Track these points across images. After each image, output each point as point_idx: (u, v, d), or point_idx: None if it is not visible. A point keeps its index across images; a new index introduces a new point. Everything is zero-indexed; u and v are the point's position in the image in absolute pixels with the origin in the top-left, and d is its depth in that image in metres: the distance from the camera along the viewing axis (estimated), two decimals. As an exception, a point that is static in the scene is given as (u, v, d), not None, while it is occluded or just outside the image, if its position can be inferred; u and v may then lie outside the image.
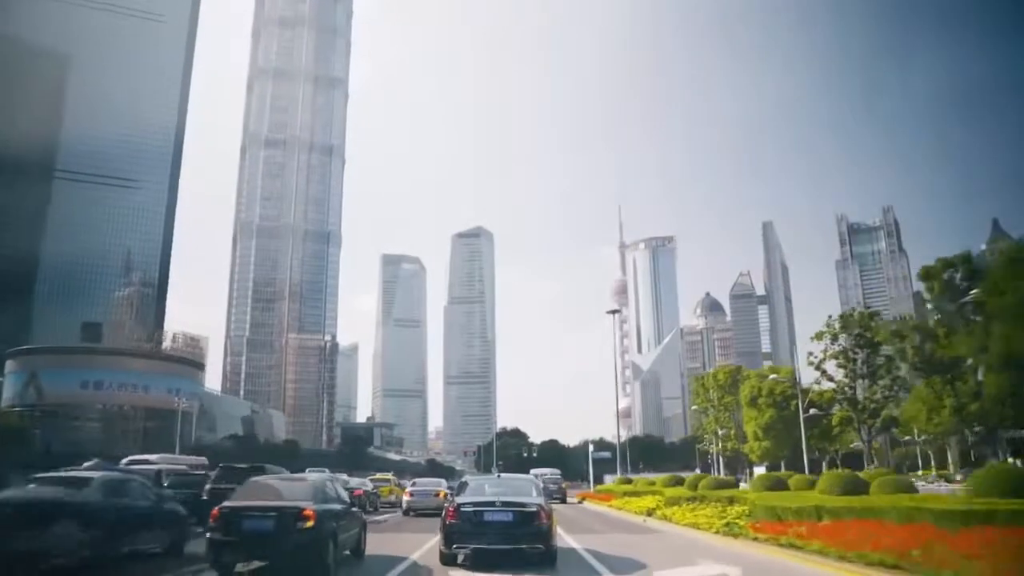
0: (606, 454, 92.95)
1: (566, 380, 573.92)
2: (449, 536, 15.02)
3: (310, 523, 13.44)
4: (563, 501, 49.62)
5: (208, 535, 13.69)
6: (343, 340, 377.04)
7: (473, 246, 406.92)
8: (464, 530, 14.89)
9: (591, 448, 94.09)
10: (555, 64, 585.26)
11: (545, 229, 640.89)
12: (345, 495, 17.58)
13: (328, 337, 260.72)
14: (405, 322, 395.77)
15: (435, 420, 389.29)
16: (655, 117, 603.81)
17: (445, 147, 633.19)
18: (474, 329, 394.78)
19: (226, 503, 14.06)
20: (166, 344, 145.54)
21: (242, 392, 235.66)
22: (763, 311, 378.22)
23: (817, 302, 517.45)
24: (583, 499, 53.29)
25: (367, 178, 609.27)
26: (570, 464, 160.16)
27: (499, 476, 18.83)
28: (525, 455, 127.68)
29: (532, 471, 56.42)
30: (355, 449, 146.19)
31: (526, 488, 16.62)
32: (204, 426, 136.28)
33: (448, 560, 15.19)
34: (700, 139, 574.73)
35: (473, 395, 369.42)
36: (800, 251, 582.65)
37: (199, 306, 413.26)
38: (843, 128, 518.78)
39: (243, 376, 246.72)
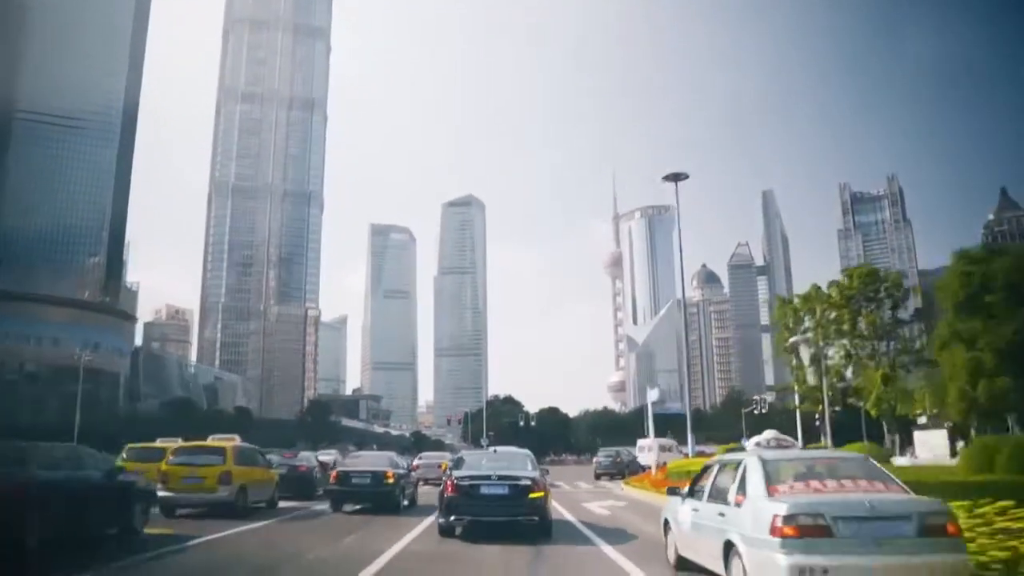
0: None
1: (560, 353, 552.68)
2: (447, 508, 15.34)
3: (390, 480, 21.42)
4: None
5: (329, 488, 22.67)
6: (332, 313, 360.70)
7: (464, 215, 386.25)
8: (461, 503, 15.18)
9: (650, 405, 66.74)
10: (548, 30, 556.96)
11: (537, 201, 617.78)
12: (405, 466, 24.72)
13: (310, 303, 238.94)
14: (394, 293, 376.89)
15: (427, 394, 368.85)
16: (651, 86, 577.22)
17: (435, 114, 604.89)
18: (465, 300, 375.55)
19: (340, 468, 22.92)
20: (149, 317, 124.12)
21: (217, 361, 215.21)
22: (762, 282, 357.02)
23: (818, 273, 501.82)
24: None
25: (353, 147, 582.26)
26: (574, 436, 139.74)
27: (495, 451, 19.03)
28: (521, 424, 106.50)
29: (601, 451, 56.35)
30: (319, 420, 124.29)
31: (521, 462, 16.73)
32: (153, 390, 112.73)
33: (447, 531, 15.43)
34: (698, 107, 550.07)
35: (465, 368, 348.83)
36: (801, 221, 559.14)
37: (176, 278, 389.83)
38: (847, 94, 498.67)
39: (219, 344, 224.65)
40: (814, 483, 8.46)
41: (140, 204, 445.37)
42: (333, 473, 22.40)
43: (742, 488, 8.87)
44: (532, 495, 15.24)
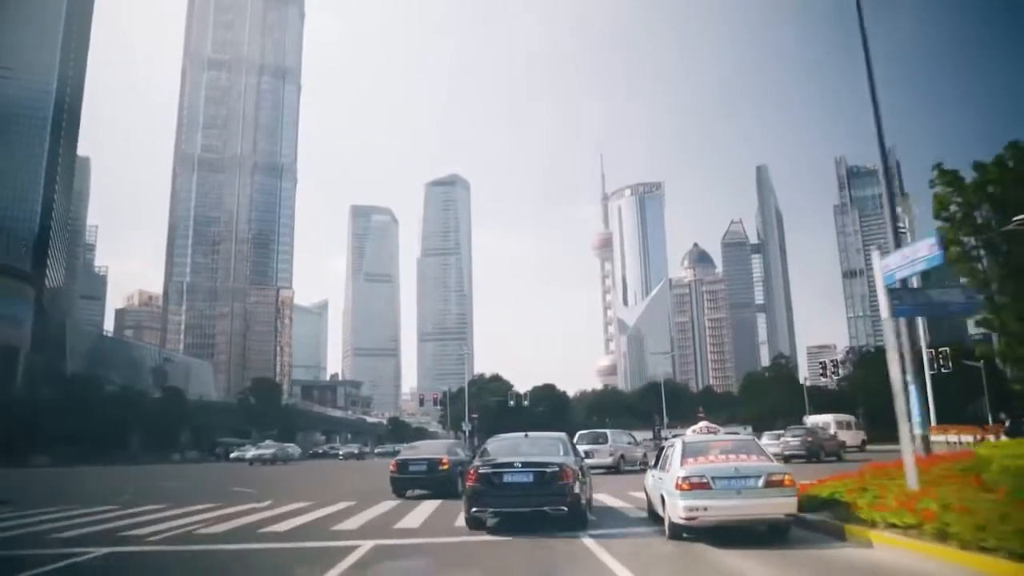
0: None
1: (549, 338, 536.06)
2: (469, 499, 14.24)
3: (446, 466, 21.90)
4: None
5: (391, 476, 22.55)
6: (311, 298, 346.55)
7: (448, 195, 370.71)
8: (483, 493, 14.00)
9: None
10: (536, 7, 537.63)
11: (524, 182, 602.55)
12: (468, 454, 24.63)
13: (284, 283, 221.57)
14: (376, 277, 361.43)
15: (411, 380, 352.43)
16: (643, 63, 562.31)
17: (417, 91, 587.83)
18: (450, 283, 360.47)
19: (398, 457, 23.70)
20: (120, 305, 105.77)
21: (182, 344, 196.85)
22: (756, 260, 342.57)
23: (813, 250, 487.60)
24: None
25: (333, 125, 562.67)
26: (571, 417, 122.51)
27: (526, 435, 16.60)
28: (511, 403, 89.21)
29: (790, 429, 44.91)
30: (267, 404, 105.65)
31: (552, 447, 15.43)
32: (81, 368, 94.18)
33: (475, 524, 14.37)
34: (690, 84, 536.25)
35: (449, 352, 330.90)
36: (796, 197, 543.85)
37: (151, 264, 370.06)
38: (841, 67, 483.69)
39: (183, 327, 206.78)
40: (710, 456, 12.80)
41: (108, 187, 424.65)
42: (393, 462, 23.18)
43: (670, 461, 13.40)
44: (560, 483, 13.73)
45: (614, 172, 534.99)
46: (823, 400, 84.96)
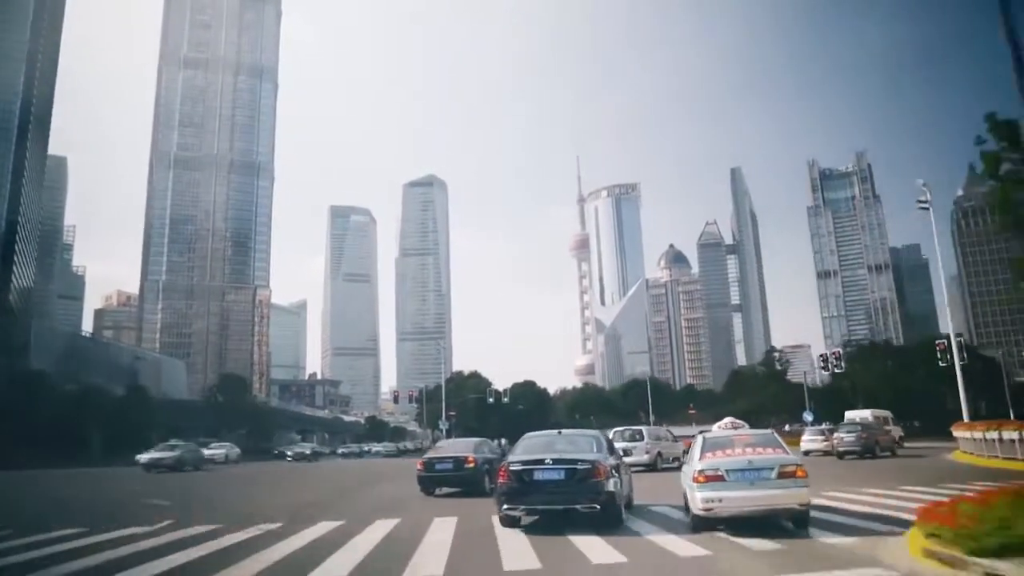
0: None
1: (527, 338, 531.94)
2: (500, 497, 14.00)
3: (472, 464, 21.73)
4: None
5: (418, 474, 22.45)
6: (291, 298, 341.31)
7: (426, 195, 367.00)
8: (514, 490, 13.67)
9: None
10: (514, 9, 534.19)
11: (501, 184, 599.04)
12: (498, 452, 25.98)
13: (261, 282, 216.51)
14: (355, 277, 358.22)
15: (390, 379, 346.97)
16: (618, 66, 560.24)
17: (395, 92, 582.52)
18: (428, 283, 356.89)
19: (426, 456, 23.62)
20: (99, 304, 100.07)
21: (157, 343, 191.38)
22: (731, 261, 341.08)
23: (788, 251, 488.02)
24: None
25: (311, 126, 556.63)
26: (552, 414, 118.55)
27: (559, 432, 16.46)
28: (491, 400, 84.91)
29: (844, 425, 41.80)
30: (234, 400, 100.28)
31: (585, 444, 14.90)
32: (44, 366, 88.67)
33: (509, 522, 13.94)
34: (666, 87, 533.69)
35: (428, 352, 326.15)
36: (770, 198, 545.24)
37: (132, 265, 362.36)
38: (815, 72, 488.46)
39: (159, 326, 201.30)
40: (727, 450, 12.98)
41: (88, 187, 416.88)
42: (419, 461, 23.42)
43: (692, 455, 13.70)
44: (592, 480, 13.33)
45: (590, 174, 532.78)
46: (820, 396, 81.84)
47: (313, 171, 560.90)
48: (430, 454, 23.85)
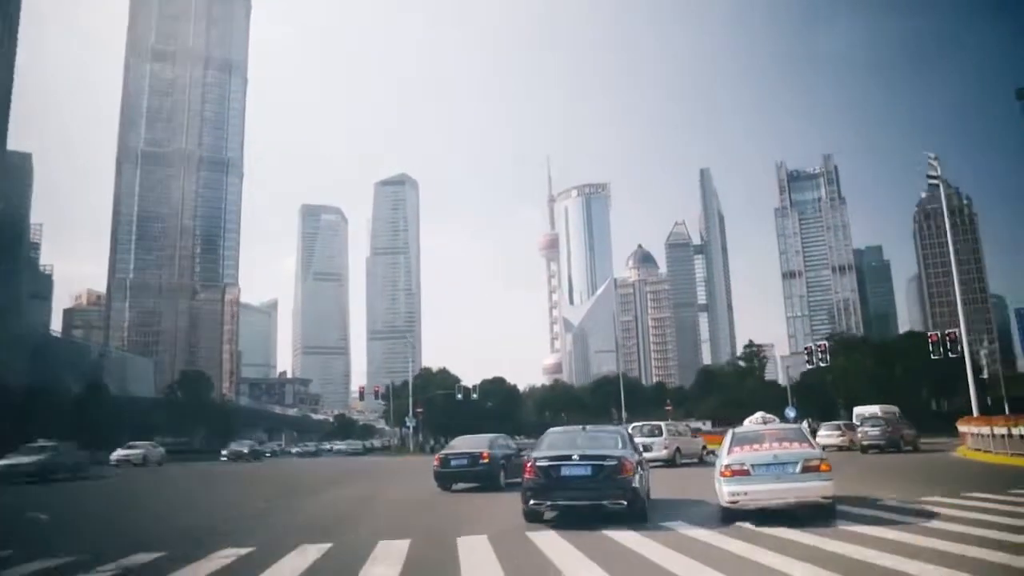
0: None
1: (496, 337, 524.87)
2: (526, 493, 13.84)
3: (486, 460, 22.08)
4: None
5: (435, 470, 22.81)
6: (261, 297, 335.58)
7: (397, 194, 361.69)
8: (541, 486, 13.61)
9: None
10: (484, 11, 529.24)
11: (472, 184, 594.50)
12: (514, 447, 25.60)
13: (230, 280, 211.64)
14: (326, 276, 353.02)
15: (361, 378, 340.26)
16: (588, 67, 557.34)
17: (366, 90, 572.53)
18: (398, 282, 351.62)
19: (441, 452, 24.30)
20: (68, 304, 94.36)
21: (126, 343, 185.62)
22: (699, 261, 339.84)
23: (754, 251, 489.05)
24: None
25: (281, 123, 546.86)
26: (522, 412, 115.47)
27: (584, 428, 16.17)
28: (459, 397, 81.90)
29: (867, 420, 42.06)
30: (195, 398, 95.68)
31: (610, 440, 14.99)
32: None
33: (532, 517, 13.88)
34: (635, 88, 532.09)
35: (399, 351, 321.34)
36: (738, 199, 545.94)
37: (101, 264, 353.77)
38: (784, 75, 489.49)
39: (126, 325, 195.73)
40: (755, 445, 13.36)
41: (56, 185, 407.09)
42: (436, 457, 24.04)
43: (722, 449, 14.24)
44: (619, 476, 13.30)
45: (561, 173, 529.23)
46: (798, 392, 79.30)
47: (284, 169, 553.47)
48: (446, 450, 24.37)
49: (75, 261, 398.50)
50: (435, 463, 23.24)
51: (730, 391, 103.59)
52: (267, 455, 77.38)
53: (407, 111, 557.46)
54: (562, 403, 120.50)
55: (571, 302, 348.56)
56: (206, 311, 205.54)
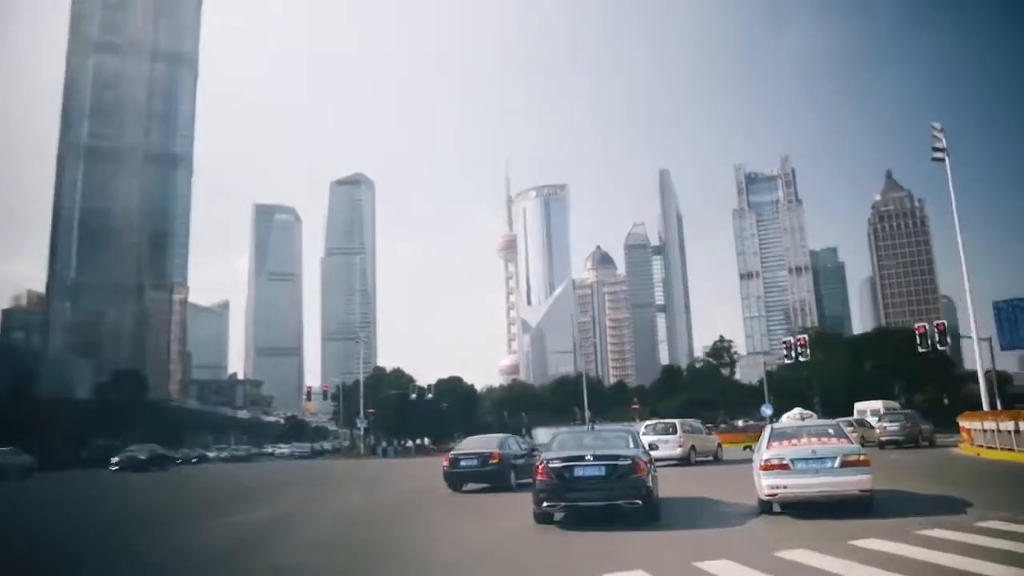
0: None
1: (453, 339, 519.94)
2: (538, 494, 13.65)
3: (496, 461, 21.95)
4: None
5: (444, 470, 22.54)
6: (213, 298, 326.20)
7: (353, 194, 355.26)
8: (553, 487, 13.45)
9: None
10: (441, 9, 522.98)
11: (430, 183, 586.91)
12: (525, 447, 25.29)
13: (178, 279, 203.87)
14: (280, 276, 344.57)
15: (315, 380, 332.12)
16: (547, 67, 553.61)
17: (322, 90, 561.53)
18: (354, 282, 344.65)
19: (451, 452, 23.93)
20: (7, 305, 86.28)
21: (67, 345, 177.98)
22: (657, 262, 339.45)
23: (712, 252, 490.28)
24: None
25: (233, 119, 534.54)
26: (480, 413, 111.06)
27: (592, 427, 20.23)
28: (413, 397, 77.25)
29: (887, 415, 43.27)
30: (133, 399, 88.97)
31: (621, 440, 15.17)
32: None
33: (543, 519, 13.81)
34: (594, 89, 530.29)
35: (354, 352, 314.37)
36: (697, 200, 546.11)
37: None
38: (743, 78, 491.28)
39: (69, 326, 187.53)
40: (793, 440, 13.67)
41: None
42: (445, 457, 23.66)
43: (761, 444, 14.51)
44: (633, 475, 13.26)
45: (520, 175, 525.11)
46: (771, 389, 76.07)
47: (237, 167, 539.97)
48: (456, 451, 24.25)
49: (15, 261, 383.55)
50: (444, 463, 23.13)
51: (697, 389, 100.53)
52: (177, 461, 65.30)
53: (363, 110, 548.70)
54: (521, 403, 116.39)
55: (529, 303, 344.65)
56: (154, 311, 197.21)
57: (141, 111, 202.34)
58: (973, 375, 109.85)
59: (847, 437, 13.85)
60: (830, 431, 14.02)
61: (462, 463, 22.50)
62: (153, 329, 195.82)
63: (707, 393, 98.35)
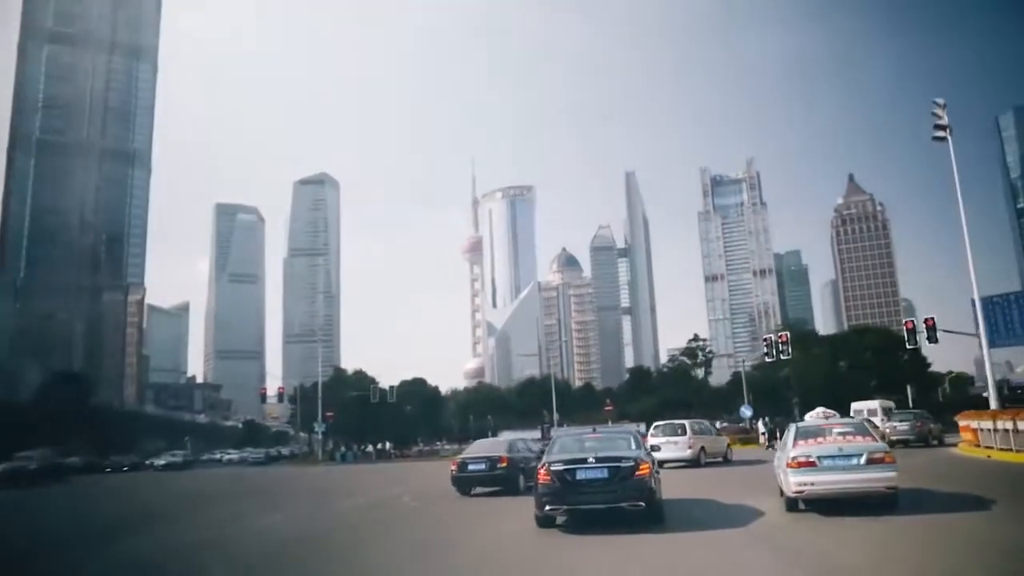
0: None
1: (418, 342, 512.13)
2: (540, 498, 13.45)
3: (504, 464, 21.78)
4: None
5: (452, 474, 22.42)
6: (172, 299, 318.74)
7: (317, 194, 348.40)
8: (556, 490, 13.24)
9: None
10: (405, 11, 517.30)
11: (395, 184, 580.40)
12: (536, 449, 24.36)
13: (135, 278, 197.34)
14: (241, 277, 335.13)
15: (277, 383, 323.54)
16: (512, 65, 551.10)
17: (286, 88, 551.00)
18: (318, 284, 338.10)
19: (460, 457, 23.75)
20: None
21: (15, 348, 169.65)
22: (623, 264, 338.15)
23: (677, 254, 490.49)
24: None
25: (194, 117, 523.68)
26: (444, 416, 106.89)
27: (594, 429, 19.26)
28: (374, 399, 73.10)
29: (896, 415, 44.26)
30: (69, 405, 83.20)
31: (623, 441, 14.90)
32: None
33: (545, 523, 13.65)
34: (560, 91, 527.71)
35: (317, 355, 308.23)
36: (662, 203, 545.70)
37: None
38: (708, 80, 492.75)
39: (17, 328, 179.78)
40: (819, 439, 13.85)
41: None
42: (453, 462, 23.61)
43: (787, 442, 14.68)
44: (637, 477, 13.07)
45: (485, 176, 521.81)
46: (749, 388, 73.35)
47: (198, 166, 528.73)
48: (464, 455, 24.23)
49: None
50: (452, 467, 23.14)
51: (669, 390, 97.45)
52: (106, 470, 59.46)
53: (328, 108, 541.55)
54: (487, 406, 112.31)
55: (494, 305, 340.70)
56: (109, 313, 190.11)
57: (97, 105, 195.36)
58: (943, 376, 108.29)
59: (871, 435, 14.14)
60: (854, 429, 14.34)
61: (470, 467, 22.53)
62: (108, 331, 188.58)
63: (680, 393, 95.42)
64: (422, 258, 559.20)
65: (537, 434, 65.38)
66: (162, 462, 71.01)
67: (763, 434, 52.63)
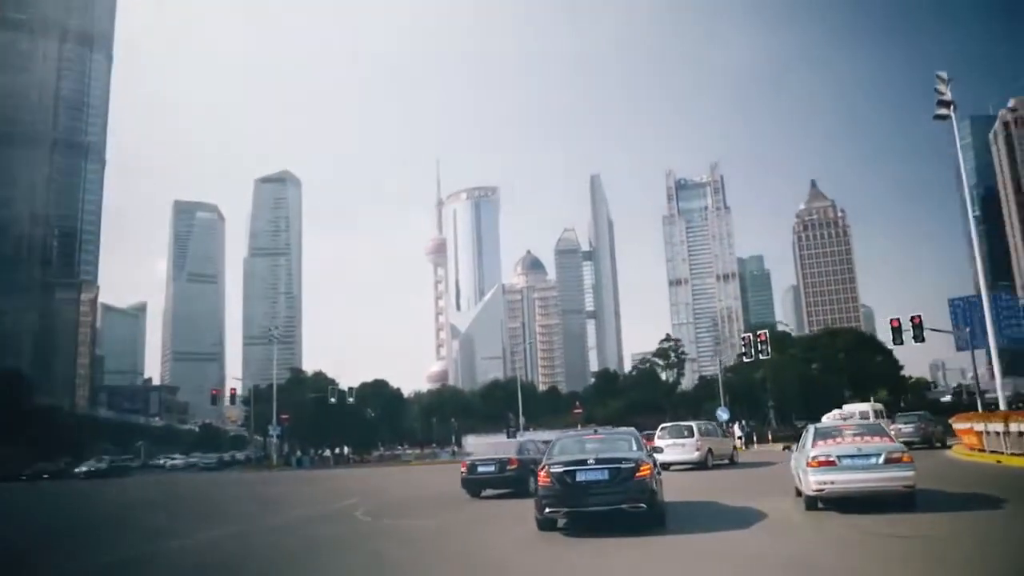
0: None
1: (381, 345, 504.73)
2: (540, 500, 13.27)
3: (515, 466, 21.51)
4: None
5: (462, 476, 22.30)
6: (129, 299, 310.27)
7: (279, 192, 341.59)
8: (556, 493, 13.03)
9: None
10: (372, 7, 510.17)
11: (358, 184, 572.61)
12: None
13: (87, 275, 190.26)
14: (200, 277, 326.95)
15: (236, 385, 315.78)
16: (478, 67, 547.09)
17: (247, 84, 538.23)
18: (279, 284, 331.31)
19: (468, 458, 24.05)
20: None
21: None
22: (587, 267, 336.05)
23: (642, 258, 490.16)
24: None
25: (152, 112, 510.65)
26: (406, 419, 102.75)
27: (595, 430, 17.92)
28: (333, 401, 68.82)
29: (900, 417, 42.92)
30: (11, 405, 77.77)
31: (624, 442, 14.56)
32: None
33: (546, 525, 13.42)
34: (526, 92, 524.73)
35: (277, 357, 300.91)
36: (627, 206, 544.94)
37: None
38: (673, 83, 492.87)
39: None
40: (837, 439, 14.16)
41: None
42: (463, 463, 23.47)
43: (805, 442, 14.86)
44: (637, 478, 12.83)
45: (450, 177, 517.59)
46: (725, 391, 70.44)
47: (156, 162, 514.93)
48: (472, 457, 24.29)
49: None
50: (462, 469, 23.03)
51: (636, 393, 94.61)
52: (21, 478, 55.28)
53: (290, 105, 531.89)
54: (451, 409, 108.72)
55: (458, 308, 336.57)
56: (60, 312, 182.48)
57: (48, 94, 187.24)
58: (908, 379, 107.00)
59: (888, 436, 14.39)
60: (871, 430, 14.67)
61: (480, 469, 22.42)
62: (59, 331, 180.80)
63: (648, 396, 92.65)
64: (385, 259, 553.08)
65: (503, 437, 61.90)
66: (84, 469, 64.14)
67: (739, 438, 51.44)
